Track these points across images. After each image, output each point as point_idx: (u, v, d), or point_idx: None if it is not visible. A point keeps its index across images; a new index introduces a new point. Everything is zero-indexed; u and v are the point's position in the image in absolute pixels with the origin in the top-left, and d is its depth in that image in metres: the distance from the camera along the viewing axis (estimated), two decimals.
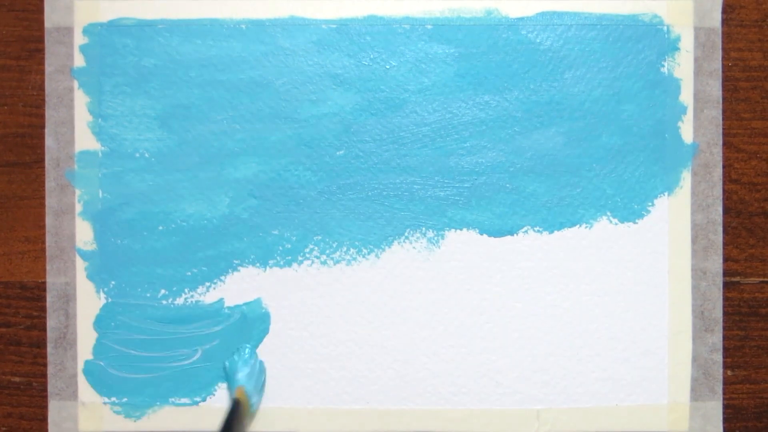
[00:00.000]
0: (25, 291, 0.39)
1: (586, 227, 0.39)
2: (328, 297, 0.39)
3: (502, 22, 0.39)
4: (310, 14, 0.39)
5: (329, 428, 0.39)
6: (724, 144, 0.39)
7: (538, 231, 0.39)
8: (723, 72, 0.39)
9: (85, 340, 0.39)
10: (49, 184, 0.39)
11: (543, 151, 0.39)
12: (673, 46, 0.39)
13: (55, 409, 0.39)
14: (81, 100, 0.39)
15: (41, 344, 0.39)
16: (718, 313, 0.39)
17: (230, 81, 0.39)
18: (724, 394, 0.39)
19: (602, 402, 0.39)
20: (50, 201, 0.39)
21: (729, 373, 0.39)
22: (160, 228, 0.39)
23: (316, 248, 0.39)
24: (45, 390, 0.39)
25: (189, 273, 0.39)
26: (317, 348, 0.39)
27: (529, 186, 0.39)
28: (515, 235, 0.39)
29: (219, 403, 0.39)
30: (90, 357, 0.39)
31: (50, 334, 0.39)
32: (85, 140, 0.39)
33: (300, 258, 0.39)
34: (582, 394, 0.39)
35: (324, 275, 0.39)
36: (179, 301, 0.39)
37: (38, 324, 0.39)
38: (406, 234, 0.39)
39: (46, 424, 0.39)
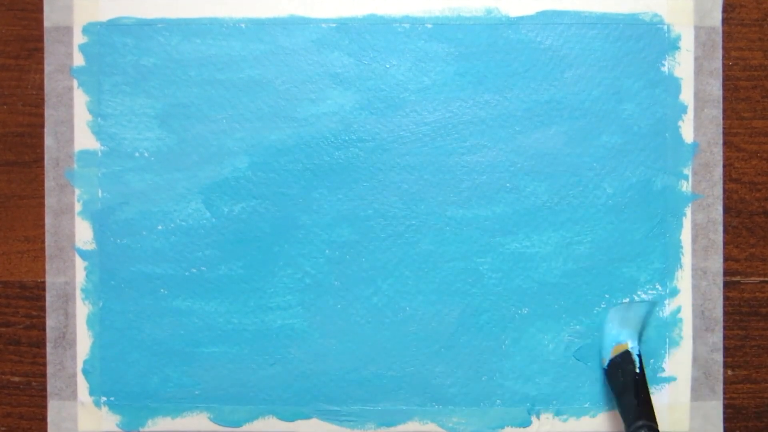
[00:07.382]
0: (24, 290, 0.39)
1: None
2: (327, 296, 0.39)
3: (502, 21, 0.39)
4: (309, 13, 0.39)
5: (328, 428, 0.39)
6: (724, 143, 0.39)
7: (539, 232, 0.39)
8: (723, 71, 0.39)
9: (85, 339, 0.39)
10: (49, 183, 0.39)
11: (543, 150, 0.39)
12: (673, 45, 0.39)
13: (54, 409, 0.39)
14: (80, 100, 0.39)
15: (40, 344, 0.39)
16: (719, 312, 0.39)
17: (230, 80, 0.39)
18: (724, 393, 0.39)
19: (602, 402, 0.39)
20: (49, 200, 0.39)
21: (729, 372, 0.39)
22: (160, 228, 0.39)
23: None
24: (44, 390, 0.39)
25: (188, 273, 0.39)
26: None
27: (530, 185, 0.39)
28: (517, 234, 0.39)
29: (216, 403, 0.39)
30: (89, 357, 0.39)
31: (49, 334, 0.39)
32: (84, 139, 0.39)
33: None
34: (582, 394, 0.39)
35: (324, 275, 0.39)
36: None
37: (37, 324, 0.39)
38: (406, 234, 0.39)
39: (46, 424, 0.39)
